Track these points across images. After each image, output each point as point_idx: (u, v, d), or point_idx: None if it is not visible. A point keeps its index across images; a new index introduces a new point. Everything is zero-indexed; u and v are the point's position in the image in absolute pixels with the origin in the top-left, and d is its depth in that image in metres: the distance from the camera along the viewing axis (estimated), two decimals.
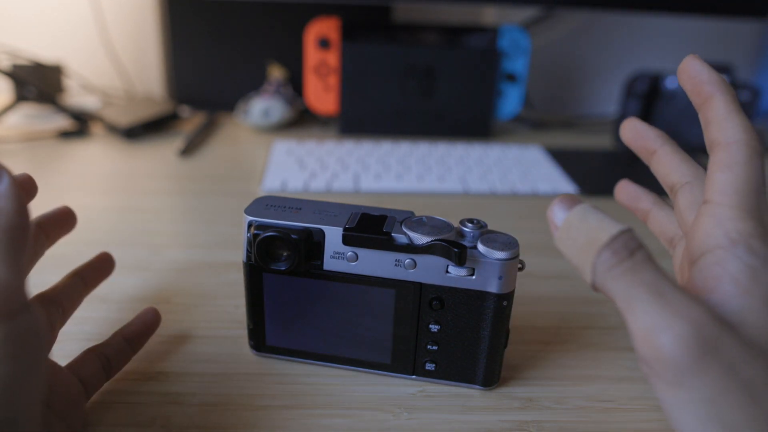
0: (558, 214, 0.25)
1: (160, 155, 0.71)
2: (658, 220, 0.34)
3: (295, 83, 0.87)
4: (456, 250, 0.29)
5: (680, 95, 0.79)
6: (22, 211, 0.25)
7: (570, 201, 0.25)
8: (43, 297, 0.31)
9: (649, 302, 0.21)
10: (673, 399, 0.22)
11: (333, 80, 0.79)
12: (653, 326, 0.21)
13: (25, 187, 0.29)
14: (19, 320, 0.22)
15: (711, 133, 0.27)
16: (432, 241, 0.29)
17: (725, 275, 0.23)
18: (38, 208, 0.58)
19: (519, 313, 0.41)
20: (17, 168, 0.65)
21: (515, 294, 0.32)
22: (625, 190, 0.36)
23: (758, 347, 0.21)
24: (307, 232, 0.31)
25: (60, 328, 0.31)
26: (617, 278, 0.22)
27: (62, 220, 0.34)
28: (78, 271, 0.35)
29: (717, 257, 0.23)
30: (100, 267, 0.37)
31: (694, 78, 0.27)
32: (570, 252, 0.25)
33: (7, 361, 0.21)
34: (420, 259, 0.30)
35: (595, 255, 0.23)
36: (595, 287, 0.24)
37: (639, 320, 0.22)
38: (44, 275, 0.36)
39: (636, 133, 0.32)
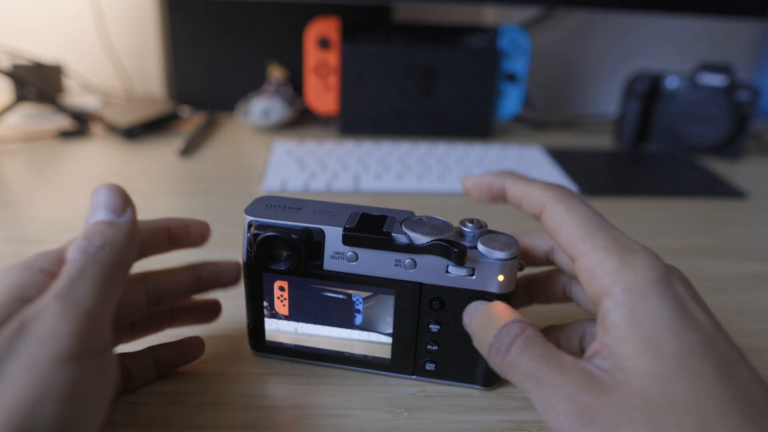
0: (465, 320, 0.30)
1: (160, 155, 0.71)
2: (540, 284, 0.34)
3: (295, 83, 0.87)
4: (456, 250, 0.29)
5: (680, 95, 0.79)
6: (133, 248, 0.25)
7: (474, 306, 0.29)
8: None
9: (532, 391, 0.24)
10: None
11: (333, 80, 0.79)
12: (543, 409, 0.24)
13: (201, 233, 0.31)
14: (95, 361, 0.22)
15: (527, 211, 0.29)
16: (432, 241, 0.29)
17: (610, 326, 0.24)
18: (37, 207, 0.58)
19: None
20: (17, 168, 0.65)
21: (515, 294, 0.32)
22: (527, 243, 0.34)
23: (638, 398, 0.22)
24: (307, 232, 0.31)
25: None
26: (506, 374, 0.26)
27: (193, 231, 0.33)
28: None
29: (603, 309, 0.24)
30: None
31: (483, 188, 0.30)
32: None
33: (73, 402, 0.21)
34: (420, 259, 0.30)
35: (487, 358, 0.27)
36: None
37: (535, 404, 0.24)
38: None
39: (478, 186, 0.31)
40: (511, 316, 0.27)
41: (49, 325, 0.21)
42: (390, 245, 0.30)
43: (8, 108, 0.76)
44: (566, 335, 0.32)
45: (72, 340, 0.21)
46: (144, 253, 0.31)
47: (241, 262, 0.33)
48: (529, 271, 0.34)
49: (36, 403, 0.20)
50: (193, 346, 0.34)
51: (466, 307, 0.30)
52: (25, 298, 0.22)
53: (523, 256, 0.31)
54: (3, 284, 0.23)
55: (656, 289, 0.23)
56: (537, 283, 0.34)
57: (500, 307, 0.28)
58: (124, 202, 0.26)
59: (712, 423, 0.21)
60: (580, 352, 0.32)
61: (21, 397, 0.20)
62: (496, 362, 0.26)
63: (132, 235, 0.25)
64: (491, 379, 0.33)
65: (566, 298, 0.33)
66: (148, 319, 0.32)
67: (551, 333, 0.33)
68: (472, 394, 0.33)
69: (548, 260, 0.31)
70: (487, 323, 0.28)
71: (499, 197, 0.30)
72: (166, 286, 0.32)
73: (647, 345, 0.22)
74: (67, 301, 0.22)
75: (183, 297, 0.33)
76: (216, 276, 0.34)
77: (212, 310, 0.36)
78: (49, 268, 0.24)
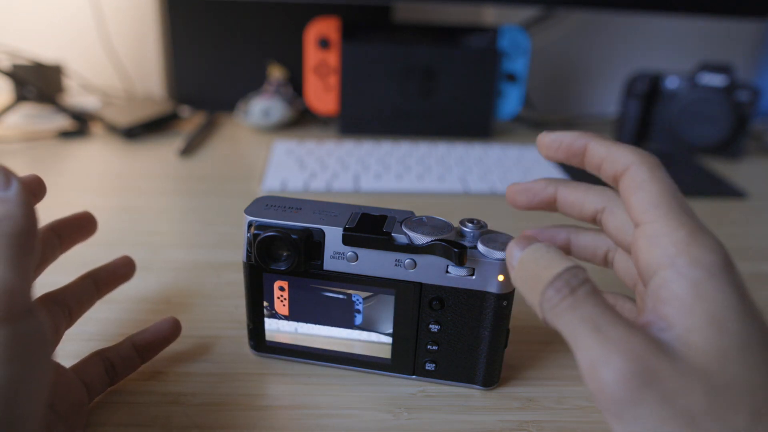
0: (515, 253, 0.27)
1: (160, 155, 0.71)
2: (581, 246, 0.32)
3: (295, 83, 0.87)
4: (456, 250, 0.29)
5: (680, 95, 0.79)
6: (30, 215, 0.25)
7: (525, 241, 0.27)
8: (49, 298, 0.31)
9: (589, 338, 0.22)
10: (618, 430, 0.21)
11: (333, 80, 0.79)
12: (594, 361, 0.21)
13: (33, 189, 0.29)
14: (22, 323, 0.22)
15: (606, 172, 0.28)
16: (432, 241, 0.29)
17: (671, 297, 0.22)
18: (39, 208, 0.58)
19: (519, 313, 0.41)
20: (18, 168, 0.65)
21: (515, 294, 0.32)
22: (539, 236, 0.32)
23: (699, 372, 0.21)
24: (307, 232, 0.31)
25: (65, 329, 0.31)
26: (560, 315, 0.23)
27: (80, 225, 0.33)
28: (91, 273, 0.34)
29: (661, 279, 0.23)
30: (116, 271, 0.36)
31: (560, 146, 0.29)
32: (524, 291, 0.26)
33: (10, 363, 0.21)
34: (420, 259, 0.30)
35: (540, 293, 0.24)
36: (546, 324, 0.24)
37: (581, 356, 0.22)
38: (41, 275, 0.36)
39: (557, 142, 0.29)
40: (556, 267, 0.24)
41: None
42: (390, 245, 0.30)
43: (8, 108, 0.76)
44: (581, 245, 0.31)
45: None
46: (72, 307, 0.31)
47: (242, 262, 0.33)
48: (576, 223, 0.32)
49: None
50: (168, 326, 0.34)
51: (511, 242, 0.27)
52: None
53: (569, 205, 0.30)
54: None
55: (721, 270, 0.22)
56: (580, 237, 0.32)
57: (542, 256, 0.26)
58: (5, 176, 0.26)
59: (765, 409, 0.20)
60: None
61: None
62: (553, 300, 0.24)
63: (25, 204, 0.25)
64: (491, 379, 0.33)
65: (606, 263, 0.32)
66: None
67: (562, 232, 0.32)
68: (472, 394, 0.33)
69: (595, 220, 0.30)
70: (547, 261, 0.25)
71: (577, 156, 0.28)
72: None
73: (712, 321, 0.21)
74: None
75: (88, 303, 0.34)
76: (111, 275, 0.35)
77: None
78: None
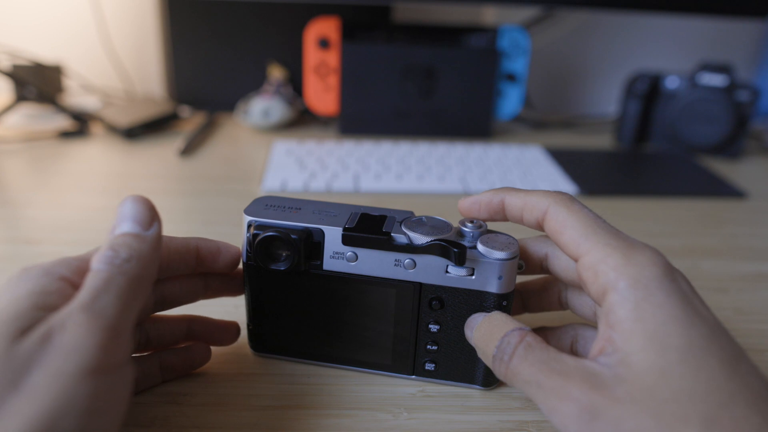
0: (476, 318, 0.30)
1: (160, 155, 0.71)
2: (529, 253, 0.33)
3: (295, 83, 0.87)
4: (455, 250, 0.29)
5: (680, 95, 0.79)
6: (156, 262, 0.25)
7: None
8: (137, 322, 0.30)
9: (536, 395, 0.25)
10: None
11: (333, 80, 0.79)
12: (547, 412, 0.24)
13: (231, 259, 0.32)
14: (116, 375, 0.22)
15: (528, 221, 0.29)
16: (431, 241, 0.29)
17: (616, 322, 0.24)
18: (37, 207, 0.58)
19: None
20: (17, 168, 0.65)
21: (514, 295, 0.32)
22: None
23: (643, 391, 0.22)
24: (307, 232, 0.31)
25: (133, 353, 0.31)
26: (510, 381, 0.26)
27: (221, 329, 0.34)
28: (190, 319, 0.33)
29: (608, 305, 0.24)
30: (215, 330, 0.34)
31: (480, 207, 0.30)
32: (480, 355, 0.29)
33: (93, 415, 0.21)
34: (420, 259, 0.30)
35: (490, 363, 0.28)
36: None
37: (540, 407, 0.25)
38: None
39: (476, 205, 0.31)
40: (510, 324, 0.28)
41: (74, 337, 0.21)
42: (389, 245, 0.30)
43: (8, 108, 0.76)
44: (557, 337, 0.32)
45: (95, 353, 0.21)
46: (170, 270, 0.30)
47: (243, 262, 0.33)
48: (522, 278, 0.34)
49: (58, 416, 0.20)
50: (199, 353, 0.33)
51: (467, 321, 0.30)
52: (46, 305, 0.22)
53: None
54: (23, 290, 0.23)
55: (661, 284, 0.24)
56: (531, 291, 0.34)
57: (499, 317, 0.29)
58: (151, 215, 0.26)
59: (717, 414, 0.21)
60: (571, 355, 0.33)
61: (43, 409, 0.20)
62: (500, 372, 0.27)
63: (157, 250, 0.25)
64: (491, 379, 0.33)
65: (561, 305, 0.33)
66: (164, 334, 0.32)
67: (541, 335, 0.33)
68: (472, 394, 0.33)
69: (542, 268, 0.31)
70: (488, 335, 0.28)
71: (498, 212, 0.30)
72: (173, 290, 0.32)
73: (652, 340, 0.23)
74: (92, 313, 0.22)
75: (176, 336, 0.33)
76: (208, 332, 0.34)
77: (231, 333, 0.35)
78: (69, 276, 0.24)
